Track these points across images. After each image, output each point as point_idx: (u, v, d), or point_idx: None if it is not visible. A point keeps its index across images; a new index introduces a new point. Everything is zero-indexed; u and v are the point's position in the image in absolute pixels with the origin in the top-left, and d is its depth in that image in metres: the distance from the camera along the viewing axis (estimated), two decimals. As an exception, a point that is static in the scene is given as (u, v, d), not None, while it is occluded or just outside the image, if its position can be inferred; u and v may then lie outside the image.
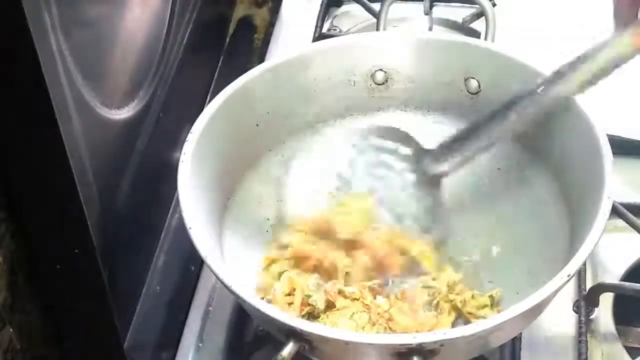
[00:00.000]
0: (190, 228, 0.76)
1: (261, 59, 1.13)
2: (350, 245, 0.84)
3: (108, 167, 0.76)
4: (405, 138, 0.87)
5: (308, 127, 0.93)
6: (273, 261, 0.84)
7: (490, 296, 0.82)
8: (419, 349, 0.69)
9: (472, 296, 0.82)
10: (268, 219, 0.88)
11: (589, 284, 0.88)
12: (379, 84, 0.93)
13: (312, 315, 0.80)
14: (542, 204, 0.86)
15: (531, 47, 1.06)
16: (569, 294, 0.87)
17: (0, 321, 0.70)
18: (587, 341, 0.84)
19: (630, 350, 0.86)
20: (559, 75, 0.81)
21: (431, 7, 1.13)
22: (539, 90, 0.82)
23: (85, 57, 0.69)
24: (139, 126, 0.83)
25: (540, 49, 1.07)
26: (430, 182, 0.87)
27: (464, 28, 1.12)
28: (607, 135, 0.81)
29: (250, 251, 0.86)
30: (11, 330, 0.72)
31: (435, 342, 0.69)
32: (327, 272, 0.83)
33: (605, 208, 0.75)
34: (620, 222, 0.90)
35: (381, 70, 0.92)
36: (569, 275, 0.72)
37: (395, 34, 0.97)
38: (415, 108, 0.94)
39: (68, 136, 0.66)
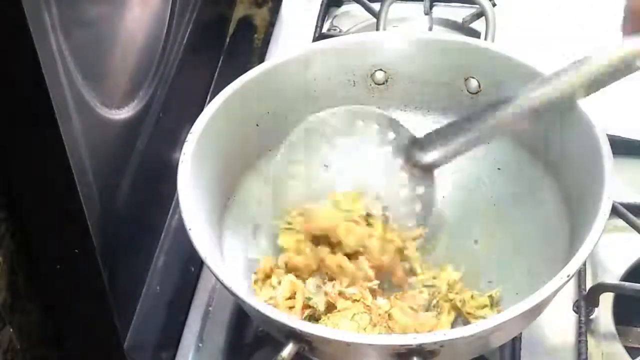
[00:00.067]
0: (190, 229, 0.76)
1: (261, 59, 1.13)
2: (352, 255, 0.84)
3: (108, 167, 0.76)
4: (393, 123, 0.87)
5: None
6: (267, 275, 0.84)
7: (490, 296, 0.82)
8: (418, 350, 0.69)
9: (472, 296, 0.82)
10: (267, 220, 0.88)
11: (589, 284, 0.88)
12: (379, 84, 0.93)
13: (313, 318, 0.80)
14: (542, 204, 0.86)
15: (531, 47, 1.06)
16: (569, 294, 0.88)
17: (0, 321, 0.70)
18: (587, 341, 0.84)
19: (630, 350, 0.86)
20: (556, 76, 0.81)
21: (431, 7, 1.13)
22: (534, 89, 0.81)
23: (85, 57, 0.69)
24: (139, 126, 0.83)
25: (540, 49, 1.07)
26: (423, 172, 0.86)
27: (464, 28, 1.12)
28: (607, 135, 0.80)
29: (250, 251, 0.86)
30: (11, 330, 0.72)
31: (435, 343, 0.69)
32: (326, 273, 0.83)
33: (605, 208, 0.75)
34: (620, 222, 0.90)
35: (381, 70, 0.92)
36: (568, 275, 0.72)
37: (395, 34, 0.97)
38: (415, 108, 0.94)
39: (68, 136, 0.66)
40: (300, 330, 0.70)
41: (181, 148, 0.82)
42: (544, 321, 0.85)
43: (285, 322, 0.71)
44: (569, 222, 0.82)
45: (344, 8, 1.20)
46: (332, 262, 0.82)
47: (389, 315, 0.80)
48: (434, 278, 0.84)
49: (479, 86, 0.90)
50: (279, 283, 0.82)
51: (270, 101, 0.90)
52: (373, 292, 0.82)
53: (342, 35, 1.14)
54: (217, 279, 0.74)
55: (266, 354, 0.84)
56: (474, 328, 0.70)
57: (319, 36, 1.13)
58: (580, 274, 0.88)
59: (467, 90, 0.91)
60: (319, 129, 0.87)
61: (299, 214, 0.86)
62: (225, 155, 0.86)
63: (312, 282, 0.82)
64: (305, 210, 0.85)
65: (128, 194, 0.80)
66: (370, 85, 0.93)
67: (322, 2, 1.18)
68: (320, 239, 0.84)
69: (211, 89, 1.06)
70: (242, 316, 0.88)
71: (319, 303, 0.80)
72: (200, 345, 0.87)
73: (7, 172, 0.67)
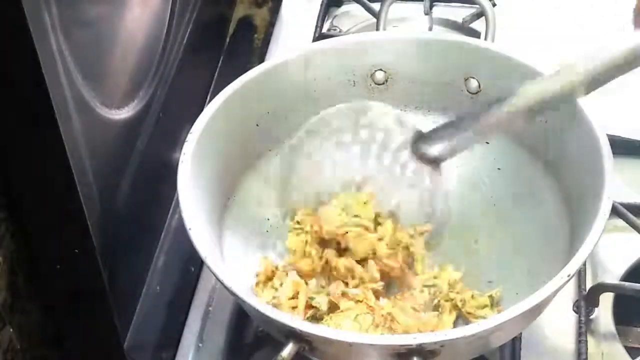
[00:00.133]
0: (190, 229, 0.76)
1: (261, 59, 1.13)
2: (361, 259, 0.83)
3: (108, 167, 0.76)
4: (398, 117, 0.87)
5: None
6: (268, 278, 0.84)
7: (490, 296, 0.82)
8: (419, 350, 0.69)
9: (472, 296, 0.82)
10: (268, 219, 0.89)
11: (589, 284, 0.88)
12: (379, 84, 0.93)
13: (316, 318, 0.80)
14: (542, 203, 0.86)
15: (531, 47, 1.06)
16: (569, 294, 0.87)
17: (0, 321, 0.70)
18: (587, 341, 0.84)
19: (630, 350, 0.86)
20: (557, 74, 0.80)
21: (431, 7, 1.13)
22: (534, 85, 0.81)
23: (85, 57, 0.69)
24: (139, 126, 0.83)
25: (540, 49, 1.07)
26: (429, 166, 0.86)
27: (464, 28, 1.12)
28: (607, 135, 0.80)
29: (250, 251, 0.86)
30: (11, 330, 0.72)
31: (435, 343, 0.69)
32: (330, 274, 0.83)
33: (605, 208, 0.75)
34: (620, 222, 0.90)
35: (381, 70, 0.92)
36: (569, 275, 0.72)
37: (395, 34, 0.97)
38: (415, 108, 0.94)
39: (68, 136, 0.66)
40: (300, 330, 0.70)
41: (181, 148, 0.82)
42: (544, 321, 0.85)
43: (285, 322, 0.71)
44: (569, 222, 0.82)
45: (344, 8, 1.20)
46: (340, 266, 0.82)
47: (390, 316, 0.80)
48: (435, 278, 0.84)
49: (479, 86, 0.90)
50: (281, 285, 0.82)
51: (270, 101, 0.90)
52: (376, 292, 0.82)
53: (342, 35, 1.14)
54: (217, 279, 0.74)
55: (266, 354, 0.84)
56: (474, 328, 0.70)
57: (319, 36, 1.13)
58: (580, 274, 0.88)
59: (467, 90, 0.91)
60: (322, 128, 0.87)
61: (307, 214, 0.86)
62: (225, 155, 0.86)
63: (315, 282, 0.82)
64: (314, 211, 0.85)
65: (128, 194, 0.80)
66: (370, 85, 0.93)
67: (322, 2, 1.18)
68: (327, 242, 0.84)
69: (211, 89, 1.06)
70: (242, 316, 0.87)
71: (322, 303, 0.80)
72: (200, 345, 0.87)
73: (7, 172, 0.67)
